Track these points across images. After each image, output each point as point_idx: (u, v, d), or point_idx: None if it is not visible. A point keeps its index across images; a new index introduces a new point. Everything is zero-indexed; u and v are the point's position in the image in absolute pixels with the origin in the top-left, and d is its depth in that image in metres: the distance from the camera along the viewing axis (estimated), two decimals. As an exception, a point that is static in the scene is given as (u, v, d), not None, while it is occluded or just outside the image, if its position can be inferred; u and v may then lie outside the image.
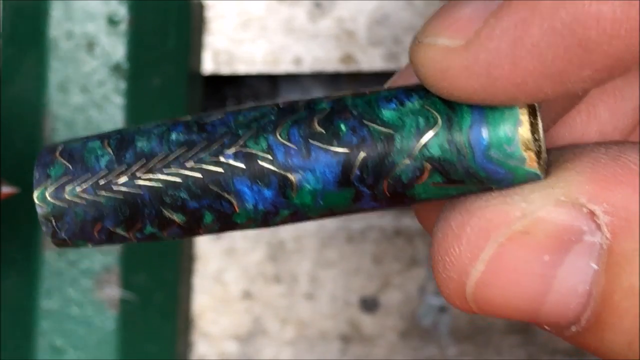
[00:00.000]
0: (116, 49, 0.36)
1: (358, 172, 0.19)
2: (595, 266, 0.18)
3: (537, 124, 0.19)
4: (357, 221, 0.41)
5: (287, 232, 0.41)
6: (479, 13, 0.17)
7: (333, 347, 0.41)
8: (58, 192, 0.21)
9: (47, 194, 0.21)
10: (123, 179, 0.21)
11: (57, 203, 0.21)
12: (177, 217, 0.21)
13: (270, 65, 0.40)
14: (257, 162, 0.20)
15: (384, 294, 0.41)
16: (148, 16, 0.37)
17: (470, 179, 0.18)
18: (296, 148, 0.19)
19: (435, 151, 0.18)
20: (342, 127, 0.19)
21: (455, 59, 0.17)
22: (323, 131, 0.19)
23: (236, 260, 0.41)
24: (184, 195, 0.20)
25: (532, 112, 0.19)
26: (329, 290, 0.41)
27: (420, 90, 0.19)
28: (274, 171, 0.19)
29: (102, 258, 0.36)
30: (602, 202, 0.18)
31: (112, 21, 0.36)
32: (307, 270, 0.41)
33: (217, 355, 0.41)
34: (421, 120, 0.18)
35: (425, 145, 0.18)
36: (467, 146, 0.18)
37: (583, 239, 0.18)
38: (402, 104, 0.19)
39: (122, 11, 0.36)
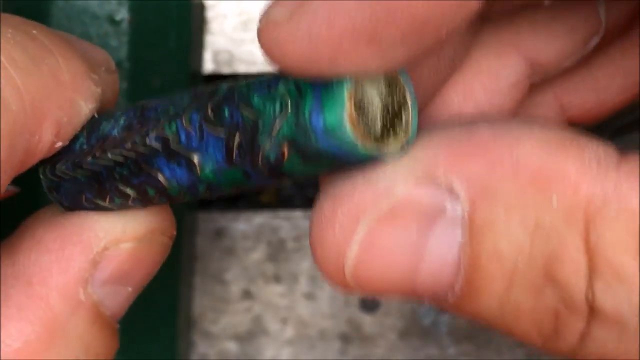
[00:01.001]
0: (116, 49, 0.36)
1: (237, 153, 0.20)
2: (460, 235, 0.19)
3: (391, 103, 0.20)
4: (357, 221, 0.41)
5: (287, 232, 0.41)
6: None
7: (333, 347, 0.41)
8: (52, 169, 0.24)
9: (46, 171, 0.24)
10: (88, 158, 0.23)
11: (52, 178, 0.24)
12: (129, 191, 0.23)
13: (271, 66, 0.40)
14: (169, 145, 0.22)
15: (384, 294, 0.41)
16: (148, 16, 0.37)
17: (322, 158, 0.19)
18: (194, 132, 0.21)
19: (288, 134, 0.19)
20: (225, 112, 0.21)
21: (282, 28, 0.19)
22: (213, 116, 0.21)
23: (236, 260, 0.41)
24: (126, 172, 0.23)
25: (391, 90, 0.20)
26: (329, 290, 0.41)
27: (285, 78, 0.20)
28: (180, 152, 0.21)
29: (103, 258, 0.36)
30: (458, 176, 0.19)
31: (112, 21, 0.36)
32: (307, 270, 0.41)
33: (218, 354, 0.41)
34: (277, 105, 0.20)
35: (279, 129, 0.19)
36: (310, 129, 0.19)
37: (445, 212, 0.19)
38: (269, 90, 0.20)
39: (122, 11, 0.36)
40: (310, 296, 0.41)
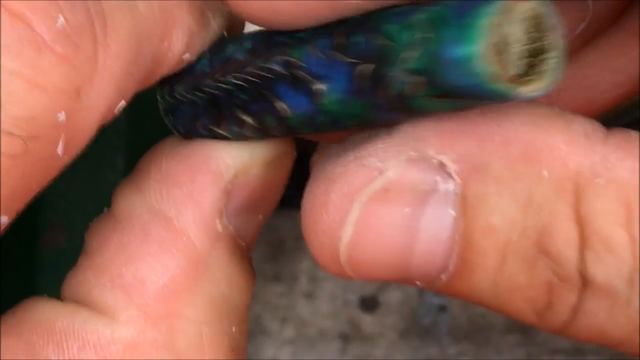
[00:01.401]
0: (116, 48, 0.36)
1: (367, 82, 0.19)
2: (453, 212, 0.19)
3: (535, 43, 0.19)
4: (356, 220, 0.41)
5: (286, 231, 0.41)
6: None
7: (333, 347, 0.41)
8: (170, 90, 0.23)
9: (164, 91, 0.24)
10: (209, 80, 0.22)
11: (170, 100, 0.23)
12: (246, 118, 0.22)
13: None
14: (293, 70, 0.20)
15: (383, 293, 0.41)
16: None
17: (454, 93, 0.19)
18: (322, 58, 0.20)
19: (418, 66, 0.18)
20: (358, 39, 0.19)
21: None
22: (344, 43, 0.20)
23: (236, 260, 0.41)
24: (246, 97, 0.21)
25: (535, 27, 0.19)
26: (328, 290, 0.41)
27: (426, 7, 0.19)
28: (304, 79, 0.20)
29: (102, 257, 0.36)
30: (448, 153, 0.19)
31: (111, 21, 0.36)
32: (307, 270, 0.41)
33: (217, 354, 0.41)
34: (410, 35, 0.19)
35: (409, 60, 0.19)
36: (443, 62, 0.18)
37: (438, 189, 0.19)
38: (405, 17, 0.19)
39: (121, 11, 0.36)
40: (310, 296, 0.41)
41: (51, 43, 0.18)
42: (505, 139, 0.19)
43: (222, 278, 0.22)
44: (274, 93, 0.21)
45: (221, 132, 0.23)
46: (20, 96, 0.17)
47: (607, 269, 0.18)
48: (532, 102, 0.19)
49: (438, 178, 0.19)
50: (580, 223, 0.18)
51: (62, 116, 0.18)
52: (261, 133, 0.22)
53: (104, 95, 0.19)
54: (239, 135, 0.23)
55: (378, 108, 0.19)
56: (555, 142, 0.19)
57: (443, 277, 0.20)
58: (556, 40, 0.19)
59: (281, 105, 0.21)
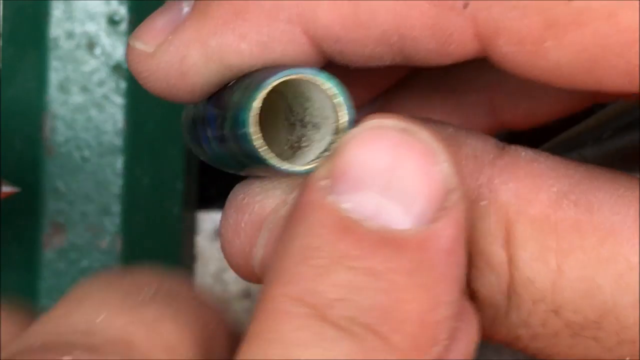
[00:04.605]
0: (116, 49, 0.36)
1: (219, 132, 0.21)
2: None
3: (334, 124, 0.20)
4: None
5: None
6: (169, 25, 0.22)
7: (333, 347, 0.41)
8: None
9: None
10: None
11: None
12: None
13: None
14: (201, 116, 0.22)
15: (383, 294, 0.41)
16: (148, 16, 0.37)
17: (248, 157, 0.20)
18: (211, 108, 0.22)
19: (230, 129, 0.21)
20: (219, 96, 0.22)
21: (146, 63, 0.21)
22: (216, 96, 0.22)
23: (236, 260, 0.41)
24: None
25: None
26: (328, 290, 0.41)
27: (250, 77, 0.21)
28: (205, 123, 0.22)
29: (102, 257, 0.36)
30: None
31: (112, 21, 0.36)
32: (307, 270, 0.41)
33: (217, 354, 0.41)
34: (232, 99, 0.21)
35: (229, 122, 0.21)
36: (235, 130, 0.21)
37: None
38: (240, 85, 0.21)
39: (122, 11, 0.36)
40: (310, 296, 0.41)
41: None
42: None
43: None
44: (198, 134, 0.22)
45: None
46: None
47: (489, 284, 0.20)
48: (427, 123, 0.20)
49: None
50: (468, 242, 0.20)
51: None
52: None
53: None
54: None
55: (232, 155, 0.21)
56: None
57: None
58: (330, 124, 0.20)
59: (202, 146, 0.23)
